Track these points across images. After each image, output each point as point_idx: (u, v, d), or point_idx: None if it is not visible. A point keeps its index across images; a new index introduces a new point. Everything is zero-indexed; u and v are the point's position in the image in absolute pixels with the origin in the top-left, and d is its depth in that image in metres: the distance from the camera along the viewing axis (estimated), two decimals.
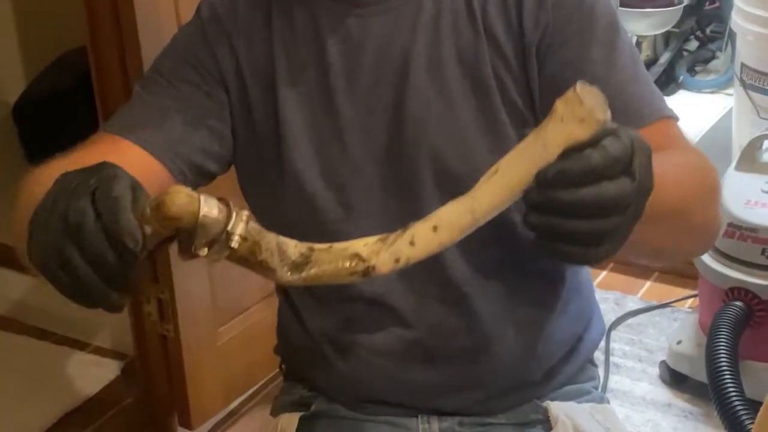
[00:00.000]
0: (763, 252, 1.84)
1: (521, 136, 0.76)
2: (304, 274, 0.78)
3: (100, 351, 2.28)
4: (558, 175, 0.71)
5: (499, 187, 0.76)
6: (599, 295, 1.25)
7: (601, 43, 1.01)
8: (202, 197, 0.74)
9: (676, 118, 1.04)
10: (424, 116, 1.04)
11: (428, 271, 1.06)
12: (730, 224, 1.87)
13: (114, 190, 0.73)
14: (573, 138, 0.72)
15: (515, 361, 1.11)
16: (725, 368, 1.71)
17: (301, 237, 0.79)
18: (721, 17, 3.33)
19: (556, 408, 1.13)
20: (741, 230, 1.86)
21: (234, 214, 0.75)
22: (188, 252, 0.75)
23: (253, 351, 1.96)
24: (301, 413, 1.18)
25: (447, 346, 1.09)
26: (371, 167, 1.06)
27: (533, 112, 1.03)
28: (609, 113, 0.72)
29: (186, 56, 1.09)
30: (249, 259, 0.77)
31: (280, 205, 1.09)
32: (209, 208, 0.74)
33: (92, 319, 2.32)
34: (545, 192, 0.72)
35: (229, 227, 0.75)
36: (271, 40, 1.07)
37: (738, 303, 1.83)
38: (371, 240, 0.78)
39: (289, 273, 0.78)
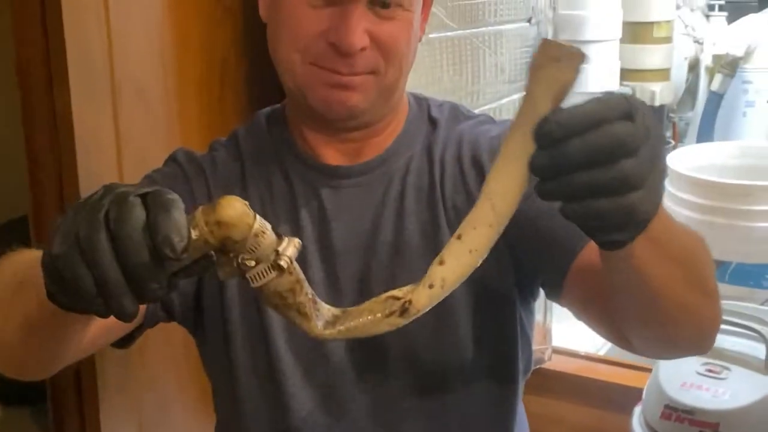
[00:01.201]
0: None
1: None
2: (339, 327, 0.75)
3: None
4: (557, 126, 0.67)
5: (506, 167, 0.72)
6: None
7: None
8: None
9: None
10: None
11: None
12: (666, 406, 1.88)
13: (167, 194, 0.68)
14: (557, 81, 0.69)
15: None
16: None
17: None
18: None
19: None
20: (678, 412, 1.86)
21: (287, 238, 0.72)
22: (229, 267, 0.70)
23: None
24: None
25: None
26: (339, 344, 1.06)
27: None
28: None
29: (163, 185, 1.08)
30: (287, 297, 0.73)
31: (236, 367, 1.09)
32: (264, 222, 0.70)
33: None
34: (549, 151, 0.68)
35: (281, 248, 0.71)
36: (248, 194, 1.08)
37: None
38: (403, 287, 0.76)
39: (322, 326, 0.75)
